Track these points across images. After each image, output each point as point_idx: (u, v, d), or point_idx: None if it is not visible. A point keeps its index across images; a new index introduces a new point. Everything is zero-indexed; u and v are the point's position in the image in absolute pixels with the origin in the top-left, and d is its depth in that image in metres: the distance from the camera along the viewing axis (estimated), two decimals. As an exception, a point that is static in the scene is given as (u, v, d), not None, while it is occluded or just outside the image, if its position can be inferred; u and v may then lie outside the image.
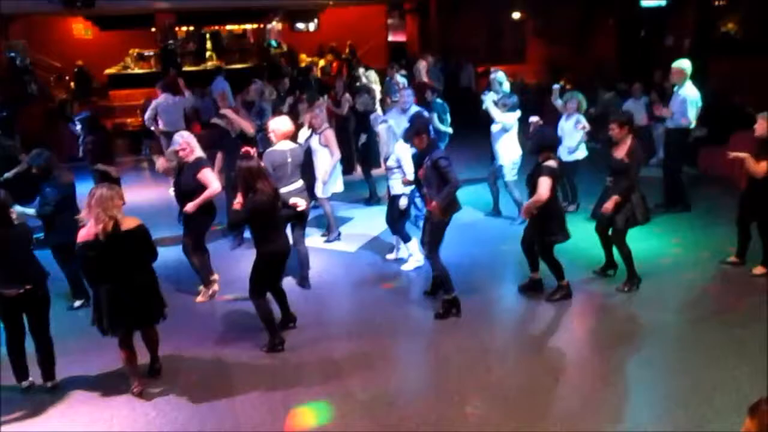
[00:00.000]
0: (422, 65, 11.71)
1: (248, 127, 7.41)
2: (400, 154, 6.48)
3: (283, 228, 5.42)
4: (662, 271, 6.49)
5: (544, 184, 5.60)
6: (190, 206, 5.89)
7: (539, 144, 5.80)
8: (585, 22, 15.00)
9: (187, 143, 5.99)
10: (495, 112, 7.65)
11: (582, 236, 6.69)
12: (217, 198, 6.16)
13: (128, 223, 4.45)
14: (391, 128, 6.77)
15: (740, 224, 6.41)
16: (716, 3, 12.46)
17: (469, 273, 6.53)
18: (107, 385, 4.92)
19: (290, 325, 5.64)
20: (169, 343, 5.21)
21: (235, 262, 7.15)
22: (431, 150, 5.67)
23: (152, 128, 10.08)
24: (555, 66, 15.77)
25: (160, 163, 6.29)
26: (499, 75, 8.55)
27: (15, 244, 4.64)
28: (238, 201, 5.10)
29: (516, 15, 17.70)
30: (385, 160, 6.69)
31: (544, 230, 5.82)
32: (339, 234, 7.74)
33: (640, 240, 7.10)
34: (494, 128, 7.78)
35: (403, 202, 6.55)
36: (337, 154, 7.25)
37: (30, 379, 4.89)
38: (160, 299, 4.81)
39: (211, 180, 5.92)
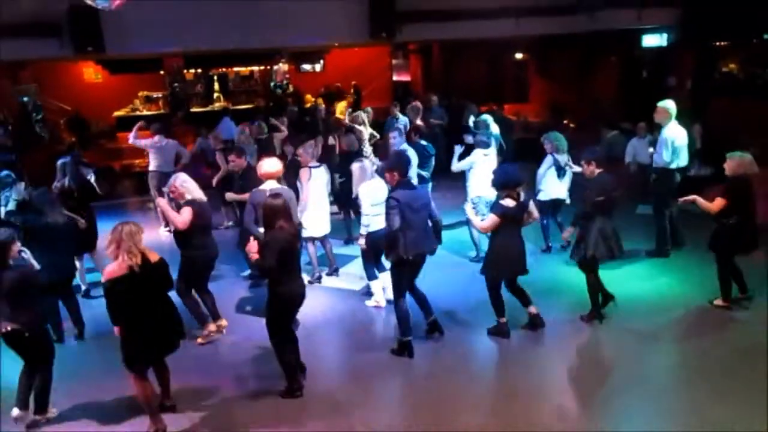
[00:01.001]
0: (415, 105, 11.75)
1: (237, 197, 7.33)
2: (360, 194, 6.57)
3: (299, 271, 5.30)
4: (671, 311, 6.49)
5: (486, 219, 5.91)
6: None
7: (498, 182, 5.94)
8: (587, 62, 15.20)
9: (176, 187, 6.07)
10: (453, 161, 8.01)
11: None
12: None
13: (153, 257, 4.69)
14: (363, 167, 6.79)
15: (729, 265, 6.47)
16: (717, 44, 12.60)
17: (468, 312, 6.56)
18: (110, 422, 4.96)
19: (299, 374, 5.49)
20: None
21: (243, 303, 7.17)
22: (398, 189, 5.68)
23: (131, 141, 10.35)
24: (557, 105, 15.92)
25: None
26: (484, 116, 9.32)
27: (6, 284, 4.75)
28: (250, 245, 5.06)
29: (518, 55, 17.97)
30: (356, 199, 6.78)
31: (485, 264, 6.01)
32: (319, 277, 7.73)
33: (647, 279, 7.12)
34: None
35: (360, 242, 6.63)
36: (304, 194, 7.26)
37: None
38: (180, 327, 4.98)
39: (183, 213, 5.91)
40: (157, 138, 10.08)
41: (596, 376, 5.52)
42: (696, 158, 9.50)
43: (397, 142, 7.89)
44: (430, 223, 5.84)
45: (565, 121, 15.40)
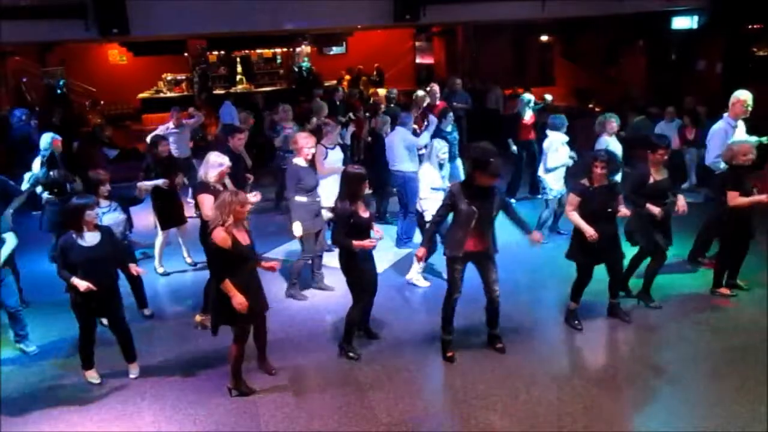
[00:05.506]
0: (435, 88, 11.53)
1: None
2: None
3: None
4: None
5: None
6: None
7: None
8: (614, 45, 14.91)
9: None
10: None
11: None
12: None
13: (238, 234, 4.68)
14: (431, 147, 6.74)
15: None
16: (750, 26, 12.26)
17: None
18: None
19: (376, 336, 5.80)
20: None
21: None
22: None
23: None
24: (583, 89, 15.68)
25: None
26: (524, 95, 10.08)
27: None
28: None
29: (544, 38, 17.68)
30: None
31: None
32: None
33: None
34: None
35: None
36: None
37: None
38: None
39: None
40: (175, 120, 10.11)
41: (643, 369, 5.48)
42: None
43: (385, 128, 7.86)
44: None
45: (590, 105, 15.19)
